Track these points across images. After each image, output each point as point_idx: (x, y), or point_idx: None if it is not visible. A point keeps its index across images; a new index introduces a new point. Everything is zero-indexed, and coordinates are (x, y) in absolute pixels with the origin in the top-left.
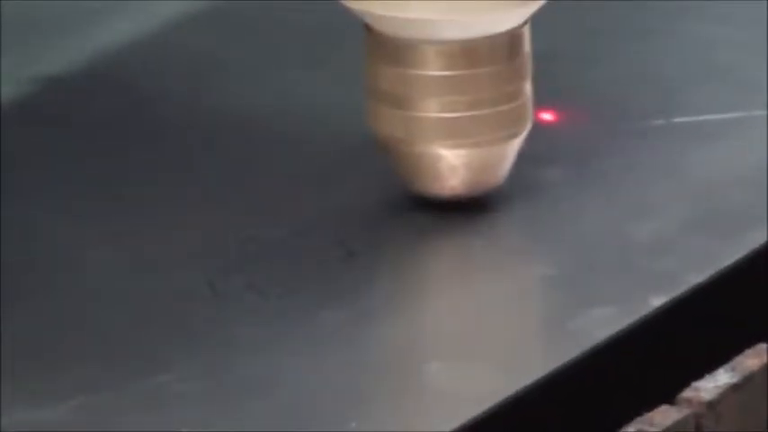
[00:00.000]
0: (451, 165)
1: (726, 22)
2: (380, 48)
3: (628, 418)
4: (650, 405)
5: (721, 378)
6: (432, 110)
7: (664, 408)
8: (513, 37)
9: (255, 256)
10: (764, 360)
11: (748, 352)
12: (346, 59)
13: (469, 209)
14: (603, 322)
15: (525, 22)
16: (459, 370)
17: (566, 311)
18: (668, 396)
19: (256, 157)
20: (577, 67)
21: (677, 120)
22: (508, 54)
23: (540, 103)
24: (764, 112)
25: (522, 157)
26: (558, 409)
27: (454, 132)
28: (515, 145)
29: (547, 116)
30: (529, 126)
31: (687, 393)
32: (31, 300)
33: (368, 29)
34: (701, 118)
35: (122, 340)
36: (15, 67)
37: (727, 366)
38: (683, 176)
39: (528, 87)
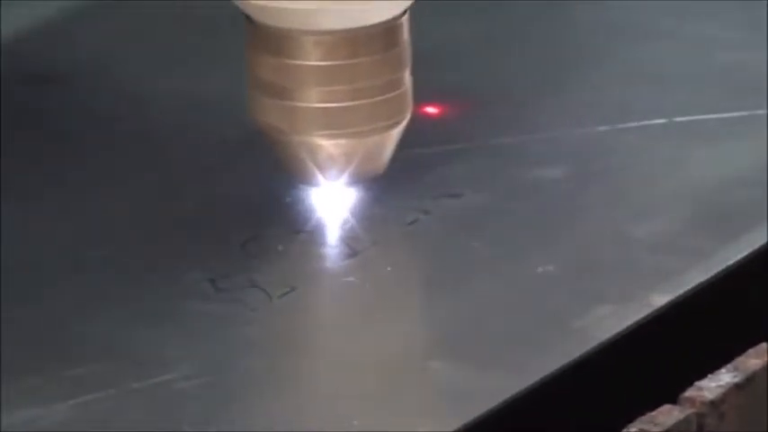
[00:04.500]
0: (331, 154)
1: (726, 21)
2: (260, 38)
3: (630, 418)
4: (653, 404)
5: (724, 377)
6: (311, 100)
7: (666, 407)
8: (391, 27)
9: (258, 255)
10: (766, 360)
11: (751, 351)
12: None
13: (469, 208)
14: (605, 322)
15: (404, 12)
16: (459, 370)
17: (567, 311)
18: (671, 395)
19: (259, 154)
20: (578, 66)
21: (678, 119)
22: (387, 44)
23: (540, 102)
24: (764, 112)
25: (524, 155)
26: (559, 408)
27: (333, 122)
28: (395, 135)
29: (550, 115)
30: (408, 115)
31: (690, 393)
32: (30, 299)
33: (248, 19)
34: (702, 117)
35: (123, 339)
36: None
37: (729, 366)
38: (684, 176)
39: (407, 77)
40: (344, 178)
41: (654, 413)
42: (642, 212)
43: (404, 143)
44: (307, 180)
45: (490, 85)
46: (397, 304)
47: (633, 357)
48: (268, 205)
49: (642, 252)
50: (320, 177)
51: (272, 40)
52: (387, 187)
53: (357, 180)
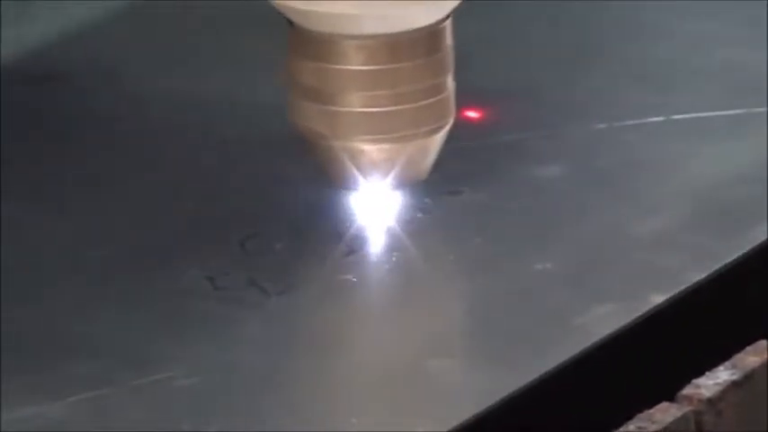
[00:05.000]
0: (373, 159)
1: (725, 19)
2: (302, 43)
3: (628, 416)
4: (651, 402)
5: (722, 375)
6: (353, 105)
7: (664, 405)
8: (434, 31)
9: (256, 253)
10: (765, 357)
11: (749, 349)
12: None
13: (469, 205)
14: (604, 320)
15: (447, 17)
16: (460, 368)
17: (566, 309)
18: (669, 393)
19: (257, 153)
20: (577, 64)
21: (676, 117)
22: (429, 48)
23: (539, 101)
24: (764, 110)
25: (523, 152)
26: (558, 406)
27: (375, 127)
28: (438, 139)
29: (549, 114)
30: (451, 120)
31: (687, 390)
32: (30, 297)
33: (290, 24)
34: (701, 115)
35: (124, 336)
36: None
37: (727, 364)
38: (683, 174)
39: (450, 81)
40: (386, 183)
41: (652, 411)
42: (641, 210)
43: None
44: (348, 185)
45: (489, 84)
46: (394, 302)
47: (631, 355)
48: (266, 205)
49: (641, 250)
50: (362, 182)
51: (314, 44)
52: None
53: (399, 185)
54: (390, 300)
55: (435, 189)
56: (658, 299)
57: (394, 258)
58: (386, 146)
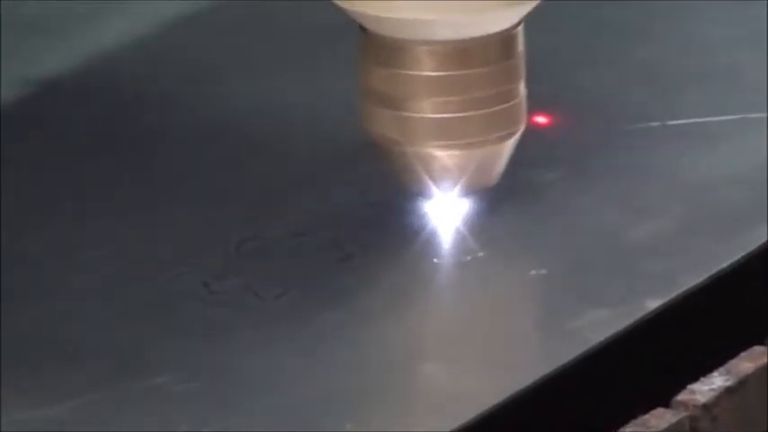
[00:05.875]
0: (444, 165)
1: (723, 23)
2: (374, 48)
3: (623, 421)
4: (645, 407)
5: (716, 381)
6: (425, 110)
7: (659, 410)
8: (506, 37)
9: (253, 257)
10: (759, 363)
11: (743, 355)
12: (340, 61)
13: (466, 209)
14: (599, 324)
15: (519, 23)
16: (454, 372)
17: (561, 314)
18: (663, 399)
19: (253, 158)
20: (573, 68)
21: (673, 122)
22: (501, 54)
23: (536, 104)
24: (762, 115)
25: (519, 158)
26: (552, 412)
27: (447, 133)
28: (509, 146)
29: (541, 119)
30: (522, 127)
31: (682, 396)
32: (27, 300)
33: (361, 29)
34: (698, 120)
35: (120, 341)
36: (13, 69)
37: (722, 369)
38: (680, 178)
39: (522, 88)
40: (457, 189)
41: (647, 416)
42: (636, 215)
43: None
44: (420, 191)
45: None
46: (390, 306)
47: (626, 360)
48: (264, 207)
49: (637, 255)
50: (433, 188)
51: (386, 50)
52: (381, 190)
53: (470, 191)
54: (385, 304)
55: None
56: (653, 304)
57: (389, 262)
58: (457, 152)
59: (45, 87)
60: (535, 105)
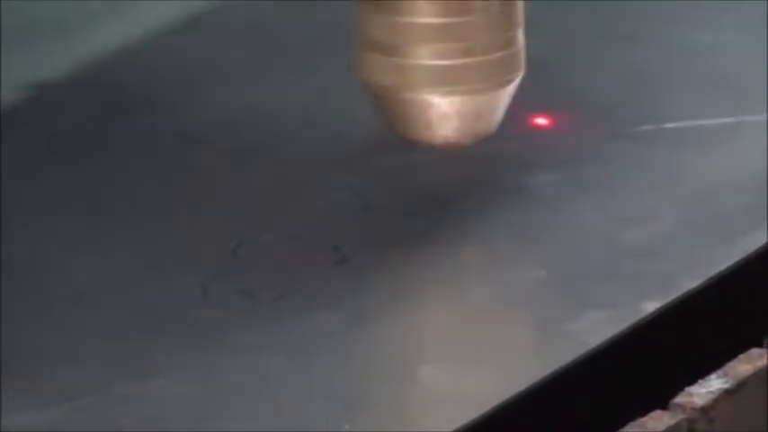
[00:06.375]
0: (443, 112)
1: (717, 27)
2: None
3: (621, 424)
4: (643, 410)
5: (714, 383)
6: (424, 57)
7: (657, 413)
8: None
9: (248, 260)
10: (758, 365)
11: (741, 357)
12: (336, 65)
13: (462, 212)
14: (596, 328)
15: None
16: (451, 374)
17: (558, 317)
18: (661, 401)
19: (250, 160)
20: (568, 72)
21: (668, 125)
22: (500, 1)
23: (532, 107)
24: (754, 118)
25: (515, 161)
26: (550, 414)
27: (446, 80)
28: (508, 92)
29: (539, 121)
30: (521, 73)
31: (680, 399)
32: (26, 304)
33: None
34: (692, 123)
35: (116, 344)
36: (12, 72)
37: (719, 372)
38: (674, 182)
39: (520, 35)
40: (456, 136)
41: (644, 419)
42: (633, 218)
43: (393, 149)
44: (418, 139)
45: None
46: (386, 309)
47: (624, 363)
48: (260, 210)
49: (634, 258)
50: (432, 136)
51: None
52: (376, 193)
53: (469, 138)
54: (382, 306)
55: (425, 197)
56: (651, 307)
57: (386, 265)
58: (456, 98)
59: (43, 90)
60: (532, 109)
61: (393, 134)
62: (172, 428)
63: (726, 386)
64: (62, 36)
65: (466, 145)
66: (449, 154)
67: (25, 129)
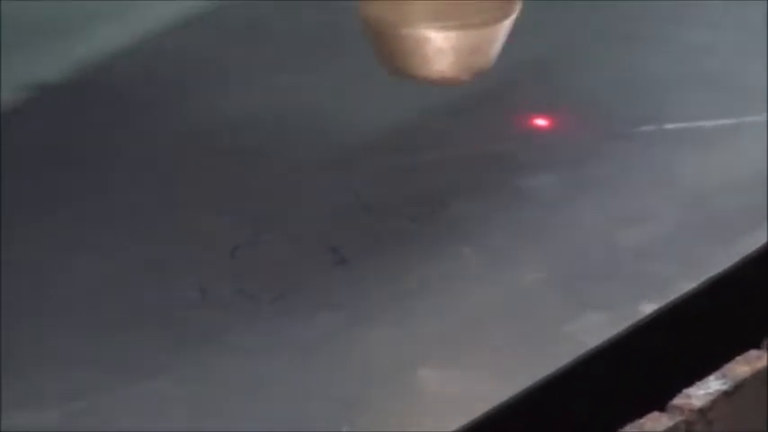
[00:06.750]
0: (439, 47)
1: (717, 27)
2: None
3: (619, 425)
4: (641, 411)
5: (712, 385)
6: None
7: (655, 414)
8: None
9: (247, 261)
10: (755, 367)
11: (739, 359)
12: (337, 63)
13: (462, 212)
14: (595, 329)
15: None
16: (450, 375)
17: (557, 318)
18: (659, 403)
19: (250, 161)
20: (568, 72)
21: (668, 126)
22: None
23: (532, 107)
24: (754, 118)
25: (513, 161)
26: (549, 415)
27: (442, 15)
28: (505, 27)
29: (541, 121)
30: (518, 9)
31: (678, 400)
32: (25, 304)
33: None
34: (692, 124)
35: (116, 345)
36: (11, 73)
37: (718, 373)
38: (673, 182)
39: None
40: (452, 71)
41: (642, 420)
42: (633, 219)
43: (391, 150)
44: (415, 75)
45: (483, 88)
46: (386, 310)
47: (623, 365)
48: (259, 211)
49: (633, 259)
50: (429, 71)
51: None
52: (376, 195)
53: (465, 74)
54: (381, 308)
55: (424, 198)
56: (650, 308)
57: (384, 267)
58: (452, 33)
59: (43, 91)
60: (532, 110)
61: (391, 72)
62: (171, 428)
63: (724, 388)
64: (62, 36)
65: (462, 81)
66: (448, 155)
67: (25, 129)
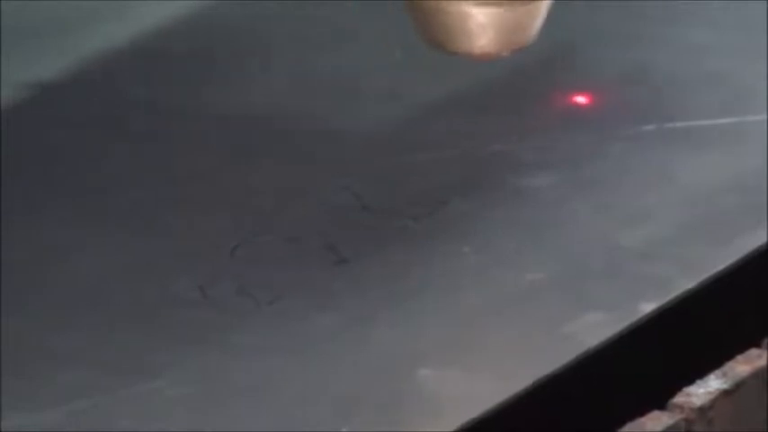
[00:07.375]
0: (481, 23)
1: (717, 27)
2: None
3: (619, 424)
4: (642, 410)
5: (713, 384)
6: None
7: (655, 413)
8: None
9: (247, 261)
10: (756, 365)
11: (739, 358)
12: (337, 63)
13: (462, 212)
14: (595, 328)
15: None
16: (450, 376)
17: (557, 318)
18: (660, 401)
19: (249, 160)
20: (568, 72)
21: (669, 125)
22: None
23: (532, 107)
24: (755, 118)
25: (513, 161)
26: (549, 415)
27: None
28: (545, 4)
29: (541, 121)
30: None
31: (678, 399)
32: (23, 304)
33: None
34: (692, 124)
35: (115, 345)
36: (11, 72)
37: (718, 372)
38: (674, 182)
39: None
40: (493, 47)
41: (643, 419)
42: (632, 219)
43: (391, 150)
44: (457, 49)
45: (482, 89)
46: (385, 310)
47: (622, 363)
48: (258, 211)
49: (632, 259)
50: (469, 46)
51: None
52: (375, 194)
53: (506, 50)
54: (379, 308)
55: (423, 198)
56: (648, 307)
57: (384, 267)
58: (493, 9)
59: (43, 90)
60: (531, 110)
61: (432, 46)
62: (171, 428)
63: (724, 386)
64: (62, 36)
65: (502, 56)
66: (448, 154)
67: (25, 129)
